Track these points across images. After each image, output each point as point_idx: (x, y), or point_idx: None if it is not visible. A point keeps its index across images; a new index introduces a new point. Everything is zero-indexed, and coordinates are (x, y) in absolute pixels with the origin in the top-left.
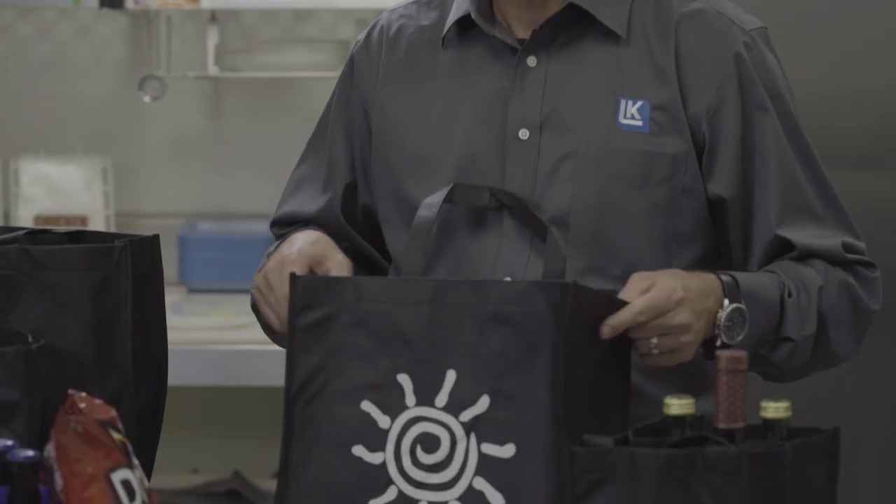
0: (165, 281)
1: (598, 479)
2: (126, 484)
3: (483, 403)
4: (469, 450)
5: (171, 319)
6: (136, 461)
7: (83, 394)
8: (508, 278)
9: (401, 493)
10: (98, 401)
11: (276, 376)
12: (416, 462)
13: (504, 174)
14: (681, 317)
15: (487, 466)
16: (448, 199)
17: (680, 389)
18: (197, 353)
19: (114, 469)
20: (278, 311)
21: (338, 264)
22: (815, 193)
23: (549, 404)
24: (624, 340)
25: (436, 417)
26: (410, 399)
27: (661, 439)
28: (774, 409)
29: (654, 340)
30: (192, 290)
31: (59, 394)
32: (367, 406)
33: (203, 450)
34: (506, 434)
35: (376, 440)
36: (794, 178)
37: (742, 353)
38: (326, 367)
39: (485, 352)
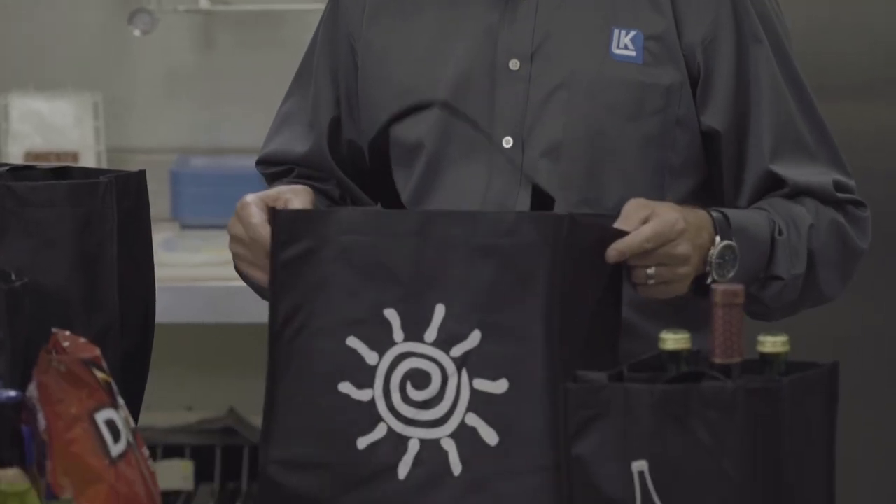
0: (157, 217)
1: (592, 415)
2: (110, 424)
3: (474, 338)
4: (461, 385)
5: (164, 256)
6: (121, 401)
7: (67, 332)
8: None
9: (391, 430)
10: (82, 340)
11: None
12: (406, 399)
13: (494, 106)
14: (682, 248)
15: (480, 402)
16: None
17: (675, 325)
18: (190, 289)
19: (98, 409)
20: (261, 265)
21: (294, 191)
22: (807, 127)
23: (542, 339)
24: (617, 273)
25: (425, 353)
26: (398, 334)
27: (657, 375)
28: (772, 343)
29: (652, 270)
30: (184, 226)
31: (43, 333)
32: (352, 342)
33: (197, 387)
34: (498, 369)
35: (364, 377)
36: (787, 112)
37: (738, 287)
38: (309, 303)
39: (474, 285)
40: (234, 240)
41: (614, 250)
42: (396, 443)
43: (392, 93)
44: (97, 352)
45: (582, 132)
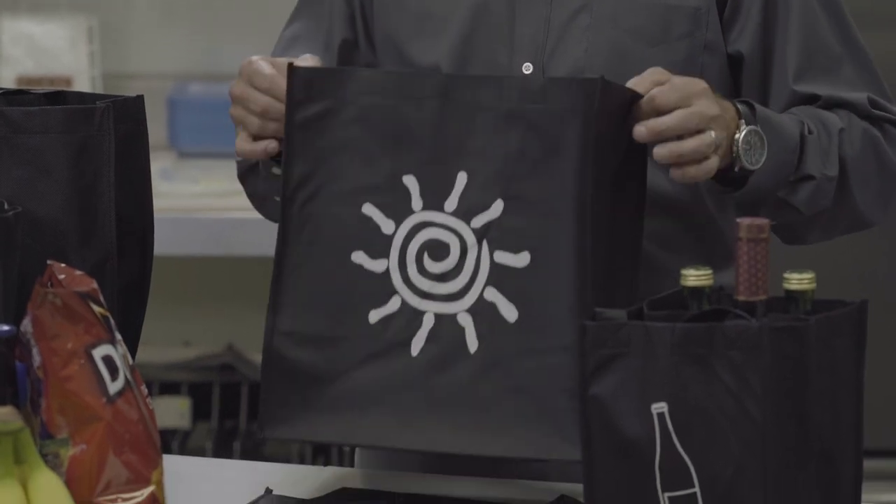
0: (155, 146)
1: (611, 354)
2: (108, 360)
3: (497, 208)
4: (480, 258)
5: (161, 186)
6: (118, 336)
7: (62, 264)
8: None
9: (405, 303)
10: (78, 272)
11: (270, 245)
12: (422, 270)
13: (514, 30)
14: (707, 107)
15: (500, 276)
16: None
17: (698, 262)
18: (188, 220)
19: (95, 344)
20: (264, 128)
21: (304, 58)
22: (842, 52)
23: (569, 211)
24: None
25: (445, 223)
26: (417, 203)
27: (678, 313)
28: (798, 280)
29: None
30: (182, 155)
31: (38, 265)
32: (368, 209)
33: (195, 322)
34: (521, 242)
35: (379, 246)
36: (819, 36)
37: (764, 221)
38: (325, 166)
39: (499, 153)
40: (237, 101)
41: (646, 129)
42: (410, 317)
43: (407, 17)
44: (94, 284)
45: (605, 58)
